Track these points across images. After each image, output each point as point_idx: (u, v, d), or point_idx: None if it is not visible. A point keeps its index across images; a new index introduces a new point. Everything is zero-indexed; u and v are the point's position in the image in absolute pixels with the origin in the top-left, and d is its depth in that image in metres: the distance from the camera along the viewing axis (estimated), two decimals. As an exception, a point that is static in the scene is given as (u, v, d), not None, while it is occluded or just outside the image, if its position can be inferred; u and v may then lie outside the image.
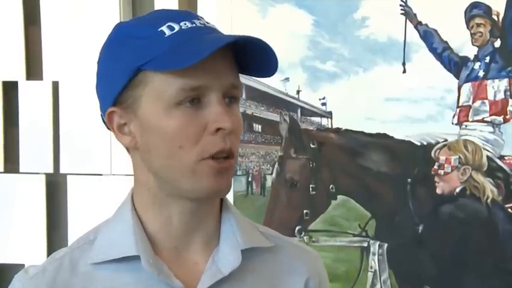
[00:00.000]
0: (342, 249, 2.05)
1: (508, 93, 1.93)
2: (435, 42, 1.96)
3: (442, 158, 1.97)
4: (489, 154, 1.94)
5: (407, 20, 1.98)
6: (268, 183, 2.11)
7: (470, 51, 1.95)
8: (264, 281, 1.02)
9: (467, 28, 1.94)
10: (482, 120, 1.96)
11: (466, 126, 1.97)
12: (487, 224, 1.95)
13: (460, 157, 1.96)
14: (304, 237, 2.06)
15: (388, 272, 2.02)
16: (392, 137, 2.01)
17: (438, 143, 1.98)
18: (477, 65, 1.94)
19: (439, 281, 1.98)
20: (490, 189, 1.94)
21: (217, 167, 0.92)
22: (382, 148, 2.02)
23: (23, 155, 2.25)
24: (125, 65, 0.93)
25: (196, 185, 0.93)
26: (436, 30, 1.96)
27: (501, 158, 1.94)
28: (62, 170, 2.22)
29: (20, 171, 2.26)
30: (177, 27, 0.92)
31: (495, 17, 1.92)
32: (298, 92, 2.08)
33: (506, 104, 1.94)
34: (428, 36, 1.97)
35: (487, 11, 1.92)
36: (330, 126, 2.07)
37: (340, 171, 2.06)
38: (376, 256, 2.03)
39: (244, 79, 0.99)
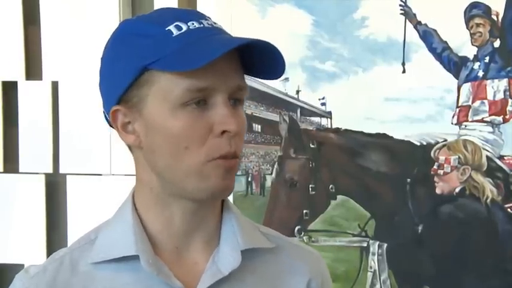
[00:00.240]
0: (342, 249, 2.05)
1: (508, 93, 1.93)
2: (435, 42, 1.97)
3: (442, 158, 1.97)
4: (489, 154, 1.95)
5: (407, 20, 1.98)
6: (268, 183, 2.11)
7: (470, 51, 1.95)
8: (265, 281, 1.01)
9: (467, 28, 1.94)
10: (481, 120, 1.96)
11: (465, 126, 1.97)
12: (486, 224, 1.95)
13: (459, 157, 1.96)
14: (304, 237, 2.06)
15: (388, 272, 2.02)
16: (391, 137, 2.01)
17: (438, 143, 1.98)
18: (476, 65, 1.95)
19: (438, 281, 1.98)
20: (489, 189, 1.94)
21: (226, 166, 0.92)
22: (382, 148, 2.02)
23: (22, 155, 2.25)
24: (131, 63, 0.92)
25: (202, 185, 0.92)
26: (435, 30, 1.96)
27: (500, 158, 1.95)
28: (62, 170, 2.22)
29: (20, 171, 2.26)
30: (184, 27, 0.91)
31: (494, 17, 1.92)
32: (297, 92, 2.08)
33: (505, 104, 1.94)
34: (428, 36, 1.97)
35: (487, 11, 1.92)
36: (329, 126, 2.07)
37: (340, 171, 2.06)
38: (376, 256, 2.03)
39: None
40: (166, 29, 0.91)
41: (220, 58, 0.87)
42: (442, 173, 1.97)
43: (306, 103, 2.08)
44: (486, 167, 1.94)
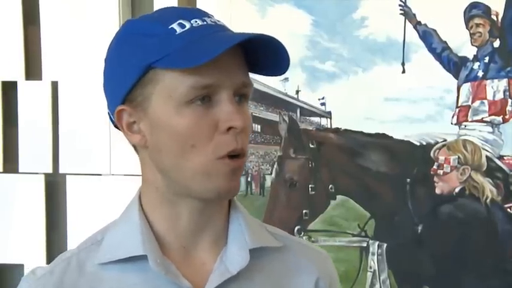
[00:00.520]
0: (341, 249, 2.05)
1: (507, 93, 1.93)
2: (434, 42, 1.97)
3: (441, 158, 1.97)
4: (488, 154, 1.95)
5: (407, 20, 1.98)
6: (268, 183, 2.11)
7: (470, 51, 1.95)
8: (273, 280, 1.01)
9: (467, 28, 1.94)
10: (481, 120, 1.96)
11: (465, 126, 1.97)
12: (486, 224, 1.95)
13: (459, 157, 1.96)
14: (304, 237, 2.06)
15: (388, 272, 2.03)
16: (391, 137, 2.01)
17: (437, 143, 1.98)
18: (476, 65, 1.95)
19: (438, 281, 1.98)
20: (489, 189, 1.94)
21: (233, 165, 0.92)
22: (382, 148, 2.02)
23: (22, 155, 2.25)
24: (135, 62, 0.92)
25: (209, 185, 0.92)
26: (435, 30, 1.96)
27: (500, 158, 1.95)
28: (61, 170, 2.22)
29: (19, 171, 2.25)
30: (188, 25, 0.91)
31: (494, 17, 1.92)
32: (297, 92, 2.08)
33: (505, 104, 1.94)
34: (428, 36, 1.97)
35: (486, 11, 1.92)
36: (329, 126, 2.07)
37: (340, 171, 2.06)
38: (376, 256, 2.03)
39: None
40: (170, 27, 0.91)
41: (224, 55, 0.87)
42: (441, 173, 1.97)
43: (305, 103, 2.08)
44: (486, 167, 1.95)
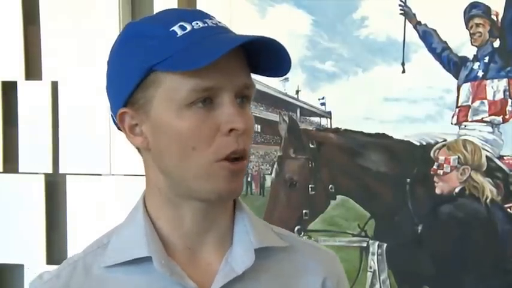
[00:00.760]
0: (341, 249, 2.05)
1: (507, 93, 1.93)
2: (434, 42, 1.97)
3: (441, 158, 1.97)
4: (488, 154, 1.95)
5: (407, 20, 1.98)
6: (268, 183, 2.11)
7: (470, 51, 1.95)
8: (279, 280, 1.01)
9: (467, 28, 1.94)
10: (481, 120, 1.96)
11: (465, 126, 1.97)
12: (486, 224, 1.95)
13: (459, 157, 1.96)
14: (304, 237, 2.06)
15: (388, 272, 2.02)
16: (391, 137, 2.01)
17: (437, 143, 1.98)
18: (476, 65, 1.95)
19: (438, 281, 1.98)
20: (489, 189, 1.94)
21: (232, 169, 0.92)
22: (381, 148, 2.02)
23: (22, 155, 2.25)
24: (137, 65, 0.92)
25: (209, 187, 0.92)
26: (435, 30, 1.96)
27: (500, 158, 1.95)
28: (61, 170, 2.22)
29: (19, 171, 2.26)
30: (189, 27, 0.91)
31: (494, 17, 1.92)
32: (297, 92, 2.08)
33: (505, 104, 1.94)
34: (428, 36, 1.97)
35: (486, 11, 1.92)
36: (329, 126, 2.07)
37: (340, 171, 2.06)
38: (376, 256, 2.03)
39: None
40: (171, 29, 0.91)
41: (225, 57, 0.87)
42: (441, 173, 1.97)
43: (305, 103, 2.08)
44: (486, 167, 1.95)
